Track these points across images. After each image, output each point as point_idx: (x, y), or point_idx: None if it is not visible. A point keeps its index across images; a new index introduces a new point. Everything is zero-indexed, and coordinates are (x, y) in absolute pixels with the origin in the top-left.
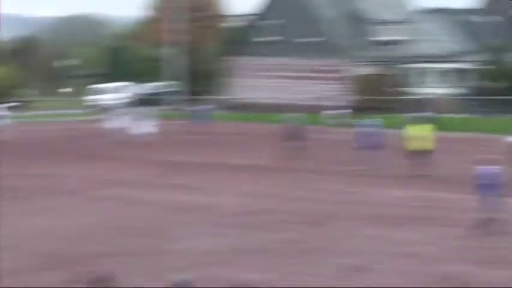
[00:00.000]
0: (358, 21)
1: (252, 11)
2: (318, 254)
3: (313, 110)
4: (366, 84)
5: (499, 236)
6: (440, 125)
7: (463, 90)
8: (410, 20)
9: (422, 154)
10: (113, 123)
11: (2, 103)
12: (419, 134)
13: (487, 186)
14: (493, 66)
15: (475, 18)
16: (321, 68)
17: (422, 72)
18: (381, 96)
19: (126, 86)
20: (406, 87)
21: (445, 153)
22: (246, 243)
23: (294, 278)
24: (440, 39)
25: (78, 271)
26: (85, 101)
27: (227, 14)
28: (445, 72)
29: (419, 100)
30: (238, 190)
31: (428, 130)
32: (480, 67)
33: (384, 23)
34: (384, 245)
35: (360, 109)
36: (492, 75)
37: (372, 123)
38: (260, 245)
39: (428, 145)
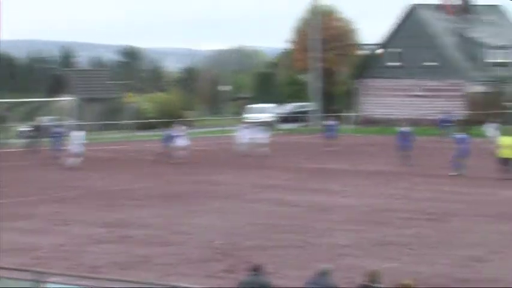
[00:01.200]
0: (472, 46)
1: (381, 40)
2: (442, 246)
3: (433, 124)
4: (480, 100)
5: None
6: None
7: None
8: None
9: (507, 161)
10: (242, 137)
11: (176, 123)
12: (509, 143)
13: None
14: None
15: None
16: (441, 87)
17: None
18: (494, 110)
19: (271, 107)
20: None
21: None
22: (378, 237)
23: (420, 266)
24: None
25: (236, 262)
26: (243, 119)
27: (359, 43)
28: None
29: None
30: (370, 192)
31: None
32: None
33: (496, 47)
34: (504, 239)
35: (473, 122)
36: None
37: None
38: (391, 238)
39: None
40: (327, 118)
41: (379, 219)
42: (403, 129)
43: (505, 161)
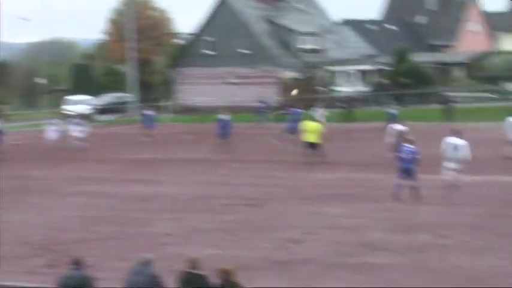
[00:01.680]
0: (284, 33)
1: (195, 29)
2: (261, 230)
3: (250, 111)
4: (294, 86)
5: (416, 205)
6: (354, 117)
7: (372, 88)
8: (327, 31)
9: (313, 145)
10: (55, 130)
11: None
12: (313, 128)
13: (407, 162)
14: (393, 67)
15: (380, 26)
16: (255, 74)
17: (339, 73)
18: (308, 95)
19: (89, 98)
20: (327, 87)
21: (360, 141)
22: (199, 225)
23: (240, 251)
24: (352, 46)
25: (57, 256)
26: (60, 111)
27: (175, 32)
28: (358, 73)
29: (339, 97)
30: (189, 180)
31: (317, 126)
32: (386, 68)
33: (306, 34)
34: (317, 220)
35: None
36: (396, 74)
37: None
38: (212, 225)
39: (316, 138)
40: (144, 108)
41: (199, 206)
42: (222, 116)
43: (310, 145)
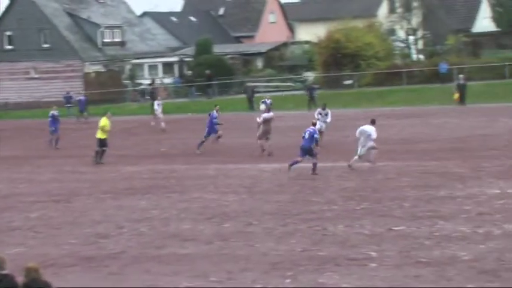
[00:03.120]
0: (87, 26)
1: None
2: (69, 226)
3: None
4: (98, 80)
5: (223, 195)
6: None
7: (178, 79)
8: (131, 24)
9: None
10: None
11: None
12: (102, 124)
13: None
14: (195, 59)
15: (181, 19)
16: (58, 69)
17: (143, 66)
18: (112, 89)
19: None
20: (132, 80)
21: (166, 133)
22: (3, 223)
23: (47, 248)
24: (156, 38)
25: None
26: None
27: None
28: (162, 66)
29: (144, 90)
30: None
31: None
32: (189, 59)
33: (109, 27)
34: (125, 214)
35: (96, 102)
36: (199, 65)
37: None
38: (16, 223)
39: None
40: None
41: (2, 205)
42: (54, 112)
43: (100, 142)
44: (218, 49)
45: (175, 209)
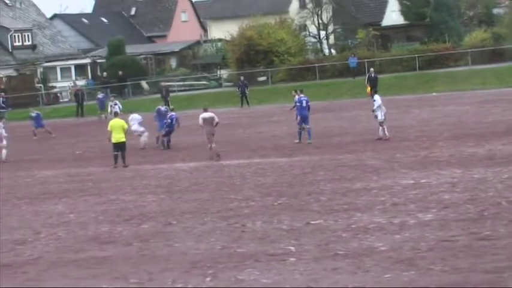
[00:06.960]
0: None
1: None
2: None
3: None
4: (10, 84)
5: (140, 196)
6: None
7: (92, 81)
8: (41, 26)
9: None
10: None
11: None
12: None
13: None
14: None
15: (92, 20)
16: None
17: (57, 69)
18: (25, 93)
19: None
20: (44, 83)
21: (82, 136)
22: None
23: None
24: (67, 41)
25: None
26: None
27: None
28: (75, 68)
29: (59, 93)
30: None
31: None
32: (102, 61)
33: (19, 30)
34: (41, 219)
35: (10, 106)
36: (112, 66)
37: None
38: None
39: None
40: None
41: None
42: (34, 113)
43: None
44: (131, 49)
45: (93, 212)
